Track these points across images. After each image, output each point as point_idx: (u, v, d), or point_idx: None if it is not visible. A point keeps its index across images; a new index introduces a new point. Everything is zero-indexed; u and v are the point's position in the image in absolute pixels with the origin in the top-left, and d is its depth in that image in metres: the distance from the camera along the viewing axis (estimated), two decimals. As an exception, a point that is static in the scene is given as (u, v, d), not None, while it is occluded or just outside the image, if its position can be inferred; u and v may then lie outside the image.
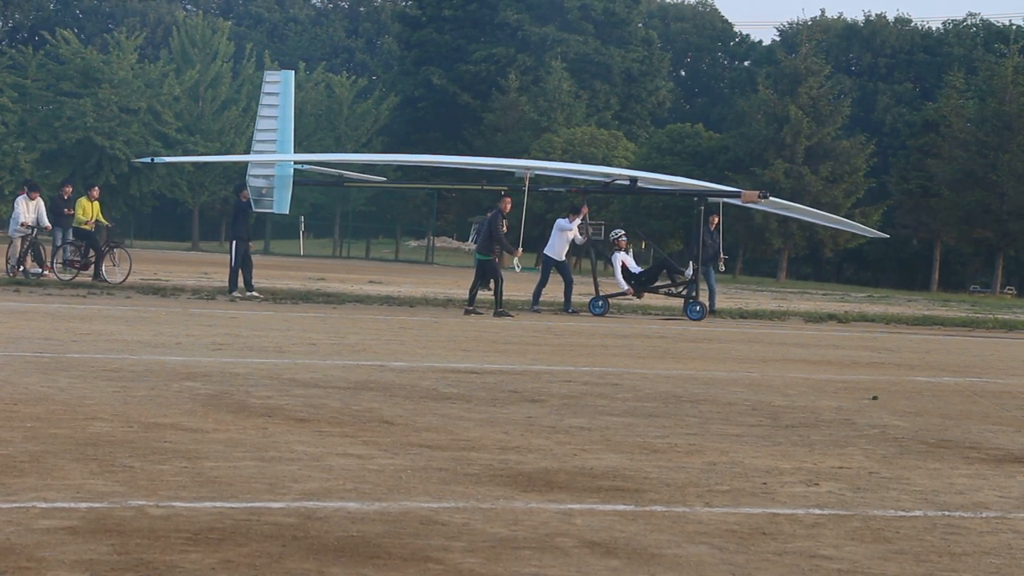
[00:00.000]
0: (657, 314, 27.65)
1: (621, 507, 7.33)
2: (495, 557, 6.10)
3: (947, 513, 7.56)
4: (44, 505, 6.72)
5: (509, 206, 26.91)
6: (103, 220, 29.92)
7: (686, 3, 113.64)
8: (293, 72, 31.48)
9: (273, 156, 29.36)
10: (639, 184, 30.01)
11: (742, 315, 29.17)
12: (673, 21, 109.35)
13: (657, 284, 29.03)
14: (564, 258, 28.69)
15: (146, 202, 75.76)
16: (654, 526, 6.88)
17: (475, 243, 53.26)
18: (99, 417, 9.58)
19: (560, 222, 28.58)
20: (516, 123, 78.52)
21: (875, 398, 13.26)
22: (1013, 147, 69.73)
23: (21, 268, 28.23)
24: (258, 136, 30.40)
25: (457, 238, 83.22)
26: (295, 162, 29.88)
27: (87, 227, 29.40)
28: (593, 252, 29.98)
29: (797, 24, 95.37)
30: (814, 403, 12.71)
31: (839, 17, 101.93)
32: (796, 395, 13.35)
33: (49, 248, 29.40)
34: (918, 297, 52.09)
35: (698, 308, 27.43)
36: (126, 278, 28.30)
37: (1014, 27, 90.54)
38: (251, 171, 29.47)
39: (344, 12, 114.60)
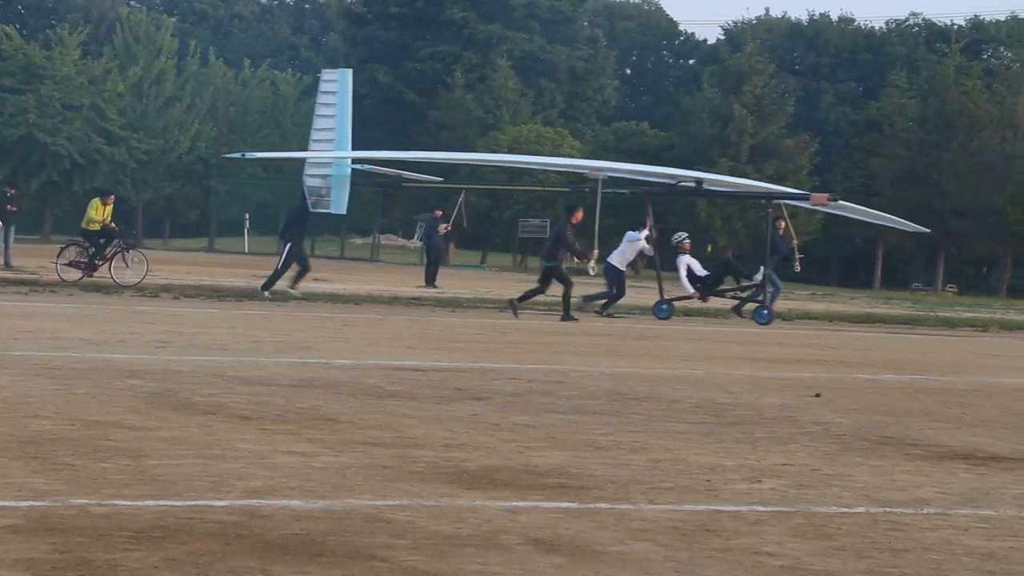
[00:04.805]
0: (600, 312, 27.69)
1: (565, 504, 7.35)
2: (439, 555, 6.11)
3: (888, 510, 7.62)
4: (-15, 504, 6.67)
5: (581, 215, 26.58)
6: (109, 222, 29.33)
7: (631, 2, 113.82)
8: (351, 71, 31.24)
9: (360, 153, 29.22)
10: (704, 186, 29.85)
11: (687, 313, 29.26)
12: (618, 20, 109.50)
13: (723, 287, 28.98)
14: (624, 268, 28.38)
15: (89, 199, 75.10)
16: (598, 523, 6.90)
17: (421, 240, 53.22)
18: (41, 415, 9.52)
19: (630, 233, 28.49)
20: (462, 121, 78.46)
21: (818, 395, 13.34)
22: (954, 146, 70.31)
23: None
24: (315, 136, 30.16)
25: (403, 236, 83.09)
26: (356, 160, 29.71)
27: (94, 227, 28.96)
28: (657, 256, 29.61)
29: (741, 23, 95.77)
30: (757, 400, 12.78)
31: (783, 16, 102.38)
32: (740, 392, 13.41)
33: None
34: (861, 295, 52.42)
35: (766, 312, 27.34)
36: (142, 279, 27.86)
37: (955, 27, 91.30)
38: (308, 171, 29.31)
39: (289, 9, 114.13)
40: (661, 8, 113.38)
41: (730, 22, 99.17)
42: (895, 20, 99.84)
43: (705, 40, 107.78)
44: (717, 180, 32.75)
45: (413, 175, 34.33)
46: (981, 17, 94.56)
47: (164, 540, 6.10)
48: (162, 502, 6.87)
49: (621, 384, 13.67)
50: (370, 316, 23.41)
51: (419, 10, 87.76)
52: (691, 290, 28.20)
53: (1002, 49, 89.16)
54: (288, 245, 27.81)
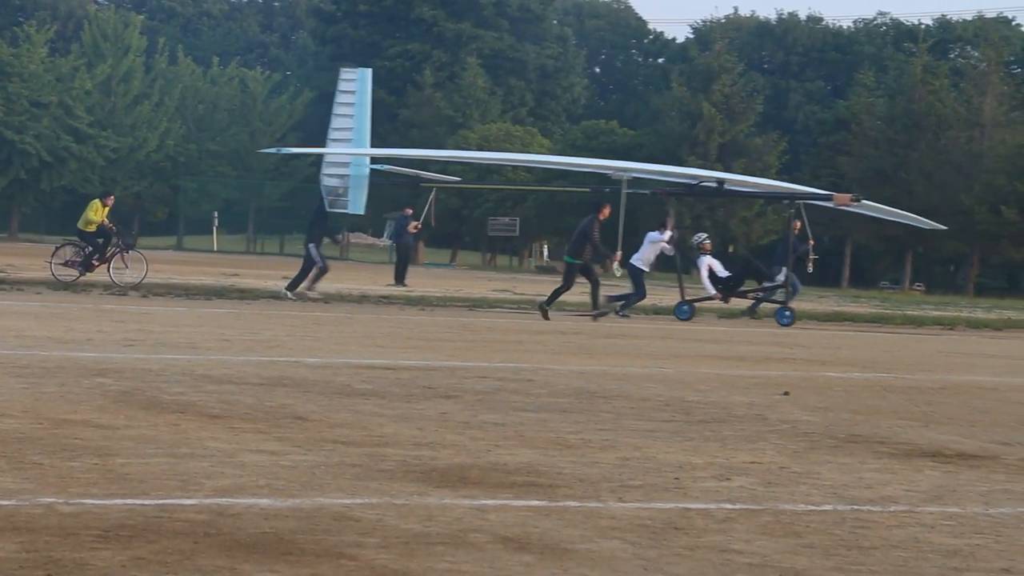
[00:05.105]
0: (571, 310, 27.71)
1: (534, 503, 7.35)
2: (408, 553, 6.10)
3: (856, 507, 7.65)
4: (-48, 503, 6.64)
5: (608, 212, 26.53)
6: (107, 223, 29.06)
7: (600, 0, 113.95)
8: (370, 71, 31.15)
9: (388, 152, 29.20)
10: (726, 186, 29.82)
11: (656, 311, 29.31)
12: (588, 18, 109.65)
13: (744, 288, 28.95)
14: (647, 269, 28.33)
15: (57, 197, 74.98)
16: (567, 521, 6.90)
17: (390, 239, 53.13)
18: (8, 414, 9.47)
19: (651, 234, 28.43)
20: (431, 119, 78.45)
21: (786, 394, 13.38)
22: (922, 145, 70.63)
23: None
24: (333, 135, 30.04)
25: (372, 234, 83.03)
26: (377, 160, 29.62)
27: (90, 228, 28.75)
28: (679, 257, 29.57)
29: (710, 22, 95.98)
30: (726, 399, 12.81)
31: (752, 15, 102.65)
32: (709, 391, 13.44)
33: None
34: (829, 293, 52.59)
35: (788, 313, 27.34)
36: (142, 279, 27.69)
37: (923, 27, 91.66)
38: (325, 171, 29.21)
39: (259, 7, 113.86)
40: (630, 7, 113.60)
41: (699, 21, 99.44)
42: (863, 19, 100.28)
43: (674, 39, 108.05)
44: (739, 180, 32.73)
45: (431, 175, 34.34)
46: (948, 17, 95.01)
47: (132, 539, 6.08)
48: (130, 501, 6.85)
49: (591, 382, 13.68)
50: (339, 315, 23.38)
51: (388, 8, 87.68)
52: (713, 291, 28.18)
53: (969, 48, 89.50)
54: (311, 246, 27.78)
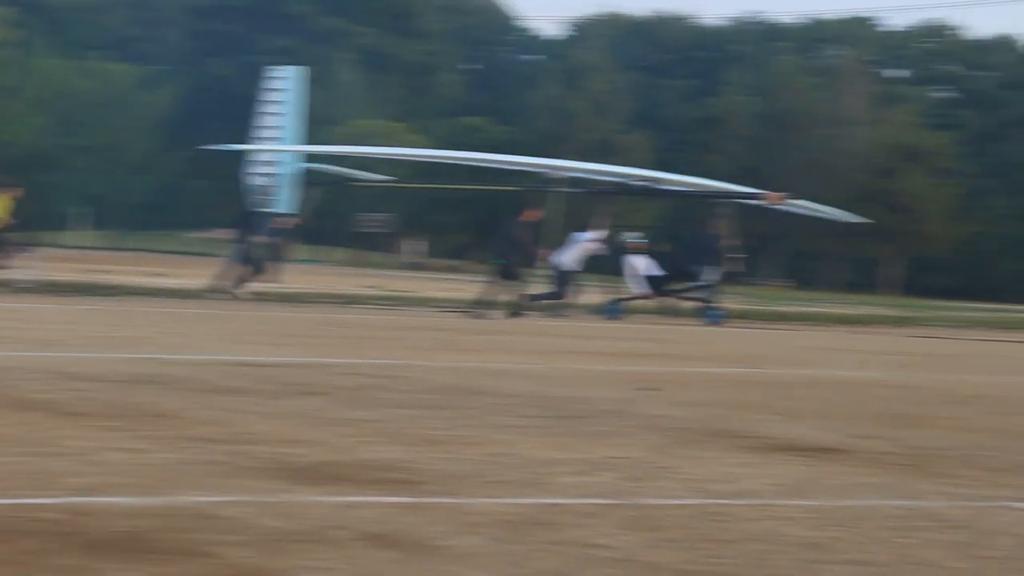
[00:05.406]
0: (441, 306, 27.73)
1: (400, 499, 7.36)
2: (272, 551, 6.08)
3: (716, 501, 7.74)
4: None
5: (534, 214, 26.53)
6: (7, 219, 28.56)
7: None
8: (304, 69, 30.87)
9: (341, 149, 28.91)
10: (658, 185, 29.96)
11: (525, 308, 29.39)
12: (460, 14, 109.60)
13: (674, 288, 29.02)
14: (575, 268, 28.27)
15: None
16: (432, 517, 6.92)
17: (266, 235, 52.78)
18: None
19: (580, 234, 28.45)
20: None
21: (653, 389, 13.50)
22: (789, 143, 71.60)
23: None
24: (262, 133, 29.73)
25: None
26: (314, 158, 29.25)
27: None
28: (609, 256, 29.60)
29: (584, 20, 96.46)
30: (592, 394, 12.90)
31: (624, 14, 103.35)
32: (576, 386, 13.53)
33: None
34: (699, 290, 52.98)
35: (716, 313, 27.39)
36: (34, 278, 27.15)
37: (792, 26, 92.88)
38: (252, 170, 28.92)
39: (127, 0, 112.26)
40: (503, 3, 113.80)
41: (572, 18, 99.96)
42: (734, 18, 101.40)
43: (547, 36, 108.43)
44: (672, 180, 33.00)
45: (363, 174, 34.24)
46: (817, 17, 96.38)
47: (-12, 539, 5.99)
48: (-14, 501, 6.74)
49: (460, 378, 13.71)
50: (207, 311, 23.18)
51: (259, 3, 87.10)
52: (642, 290, 28.34)
53: (837, 48, 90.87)
54: (240, 245, 27.61)
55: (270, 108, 29.55)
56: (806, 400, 13.52)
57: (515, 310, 25.87)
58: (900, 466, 9.32)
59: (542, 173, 33.10)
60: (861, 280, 78.59)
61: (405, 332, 20.63)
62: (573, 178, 32.22)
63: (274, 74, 30.54)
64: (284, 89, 29.52)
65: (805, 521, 7.30)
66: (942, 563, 6.36)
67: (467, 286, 39.08)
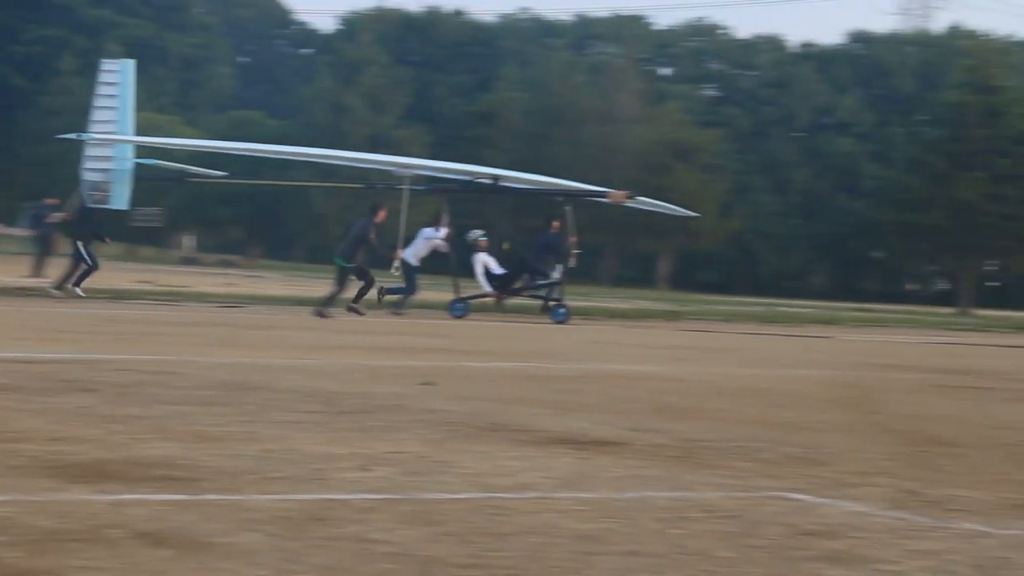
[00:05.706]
0: (217, 302, 27.43)
1: (174, 496, 7.26)
2: (41, 551, 5.95)
3: (493, 495, 7.80)
4: None
5: (384, 215, 26.37)
6: None
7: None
8: (134, 62, 29.82)
9: (192, 142, 28.24)
10: (501, 183, 29.89)
11: (300, 302, 29.24)
12: (233, 7, 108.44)
13: (519, 286, 28.91)
14: (417, 263, 28.13)
15: None
16: (207, 515, 6.84)
17: (31, 228, 51.47)
18: None
19: (426, 230, 28.30)
20: (71, 106, 76.30)
21: (430, 383, 13.55)
22: (561, 139, 72.45)
23: None
24: (95, 128, 28.69)
25: (5, 224, 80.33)
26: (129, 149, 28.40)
27: None
28: (453, 254, 29.33)
29: (356, 14, 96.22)
30: (370, 389, 12.89)
31: (397, 9, 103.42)
32: (353, 381, 13.51)
33: None
34: (470, 285, 53.28)
35: (562, 311, 27.37)
36: None
37: (563, 23, 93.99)
38: (86, 165, 27.93)
39: None
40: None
41: (345, 12, 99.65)
42: (506, 14, 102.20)
43: (321, 30, 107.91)
44: (514, 177, 33.00)
45: (199, 170, 33.59)
46: (587, 14, 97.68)
47: None
48: None
49: (235, 374, 13.57)
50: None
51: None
52: (488, 288, 28.38)
53: (608, 46, 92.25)
54: (79, 244, 26.89)
55: (103, 102, 28.91)
56: (582, 394, 13.70)
57: (354, 308, 26.12)
58: (674, 458, 9.50)
59: (392, 171, 33.03)
60: (636, 275, 79.82)
61: (178, 327, 20.35)
62: (417, 175, 32.22)
63: (106, 67, 29.92)
64: (116, 83, 28.91)
65: (581, 514, 7.40)
66: (713, 552, 6.50)
67: (242, 281, 38.77)
